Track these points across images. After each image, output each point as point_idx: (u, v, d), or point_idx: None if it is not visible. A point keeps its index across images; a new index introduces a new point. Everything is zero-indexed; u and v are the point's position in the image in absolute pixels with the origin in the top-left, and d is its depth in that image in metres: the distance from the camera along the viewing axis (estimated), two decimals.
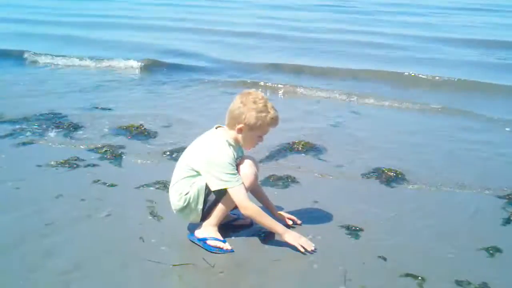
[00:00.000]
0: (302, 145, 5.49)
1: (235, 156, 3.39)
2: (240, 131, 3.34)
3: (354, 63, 10.24)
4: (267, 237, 3.53)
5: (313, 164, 5.07)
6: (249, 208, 3.31)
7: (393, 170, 4.80)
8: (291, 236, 3.37)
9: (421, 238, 3.63)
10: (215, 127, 3.51)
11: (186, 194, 3.37)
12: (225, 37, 13.23)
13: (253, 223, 3.68)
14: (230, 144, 3.36)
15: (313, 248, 3.36)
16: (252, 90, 3.44)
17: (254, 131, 3.35)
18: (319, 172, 4.84)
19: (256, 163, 3.57)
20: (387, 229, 3.74)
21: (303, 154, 5.32)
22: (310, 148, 5.44)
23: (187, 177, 3.40)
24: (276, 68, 9.89)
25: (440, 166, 5.06)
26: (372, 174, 4.78)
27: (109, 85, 8.40)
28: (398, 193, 4.42)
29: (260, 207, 3.47)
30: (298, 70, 9.72)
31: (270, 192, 4.00)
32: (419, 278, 3.10)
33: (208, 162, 3.30)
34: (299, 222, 3.72)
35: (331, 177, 4.73)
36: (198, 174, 3.37)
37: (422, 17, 18.66)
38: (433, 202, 4.26)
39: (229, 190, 3.28)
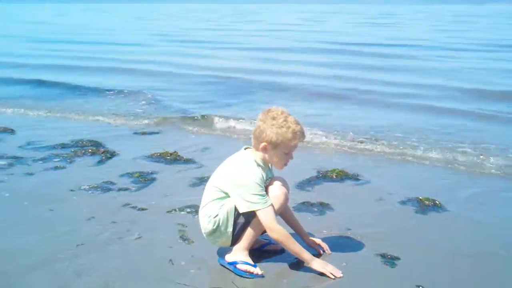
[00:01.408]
0: (337, 173, 5.40)
1: (265, 178, 3.32)
2: (264, 150, 3.28)
3: None
4: (299, 263, 3.42)
5: (348, 191, 4.96)
6: (278, 231, 3.22)
7: (430, 199, 4.65)
8: (318, 264, 3.27)
9: (459, 267, 3.47)
10: (243, 148, 3.47)
11: (216, 216, 3.32)
12: None
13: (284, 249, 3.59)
14: (258, 165, 3.30)
15: (341, 275, 3.25)
16: (273, 107, 3.35)
17: (278, 149, 3.26)
18: (353, 199, 4.72)
19: (287, 184, 3.50)
20: (425, 257, 3.59)
21: (337, 182, 5.22)
22: (345, 177, 5.34)
23: (216, 199, 3.35)
24: None
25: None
26: (408, 202, 4.64)
27: None
28: (435, 222, 4.25)
29: (290, 233, 3.37)
30: None
31: (303, 217, 3.91)
32: None
33: (235, 183, 3.25)
34: (328, 252, 3.59)
35: (366, 204, 4.61)
36: (227, 196, 3.31)
37: None
38: (470, 231, 4.10)
39: (257, 212, 3.20)
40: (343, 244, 3.73)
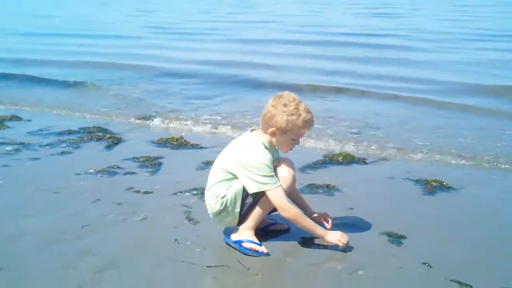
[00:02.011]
0: (343, 156, 5.36)
1: (272, 158, 3.30)
2: (273, 134, 3.26)
3: None
4: (305, 241, 3.41)
5: (354, 174, 4.94)
6: (289, 210, 3.22)
7: (438, 180, 4.61)
8: (332, 236, 3.27)
9: (470, 245, 3.44)
10: (250, 130, 3.45)
11: (223, 197, 3.30)
12: None
13: (290, 228, 3.58)
14: (265, 147, 3.28)
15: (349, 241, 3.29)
16: (285, 93, 3.32)
17: (286, 135, 3.25)
18: (360, 181, 4.70)
19: (293, 165, 3.48)
20: (432, 236, 3.56)
21: (344, 166, 5.18)
22: (352, 160, 5.30)
23: (223, 180, 3.32)
24: None
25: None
26: (416, 184, 4.61)
27: None
28: (442, 202, 4.22)
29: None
30: None
31: (309, 199, 3.86)
32: (467, 285, 2.90)
33: (244, 164, 3.22)
34: (328, 226, 3.53)
35: (372, 186, 4.58)
36: (235, 177, 3.29)
37: None
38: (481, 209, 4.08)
39: (268, 193, 3.19)
40: (348, 224, 3.71)
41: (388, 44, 15.12)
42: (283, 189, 3.23)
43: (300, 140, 3.40)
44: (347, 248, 3.28)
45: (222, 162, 3.36)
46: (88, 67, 11.59)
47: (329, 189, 4.45)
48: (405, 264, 3.15)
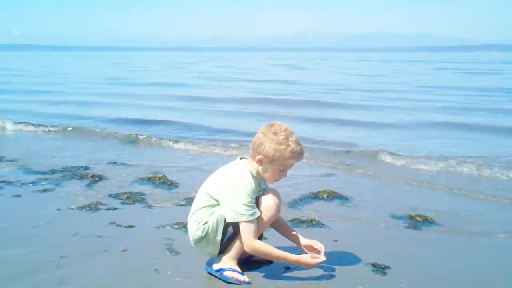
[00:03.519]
0: (328, 193, 5.35)
1: (257, 188, 3.28)
2: (259, 162, 3.24)
3: None
4: (288, 271, 3.35)
5: (338, 210, 4.91)
6: (254, 246, 3.16)
7: (422, 215, 4.60)
8: (306, 259, 3.22)
9: (450, 277, 3.40)
10: (238, 157, 3.43)
11: (205, 224, 3.25)
12: None
13: None
14: (252, 175, 3.24)
15: (324, 259, 3.25)
16: (277, 122, 3.32)
17: (273, 164, 3.22)
18: (344, 216, 4.67)
19: (279, 196, 3.43)
20: (416, 267, 3.52)
21: (328, 202, 5.16)
22: (335, 197, 5.29)
23: (206, 206, 3.28)
24: None
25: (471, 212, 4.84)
26: (400, 219, 4.61)
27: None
28: (426, 235, 4.20)
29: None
30: None
31: None
32: None
33: (227, 191, 3.19)
34: (321, 256, 3.38)
35: (355, 220, 4.56)
36: (218, 203, 3.25)
37: None
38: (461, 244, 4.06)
39: (240, 225, 3.14)
40: (333, 255, 3.64)
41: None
42: (256, 224, 3.17)
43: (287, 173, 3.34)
44: (327, 277, 3.26)
45: (207, 187, 3.32)
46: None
47: (313, 224, 4.42)
48: None
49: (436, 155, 7.45)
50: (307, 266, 3.21)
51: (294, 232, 3.54)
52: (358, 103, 14.73)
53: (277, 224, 3.54)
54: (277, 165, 3.22)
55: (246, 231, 3.12)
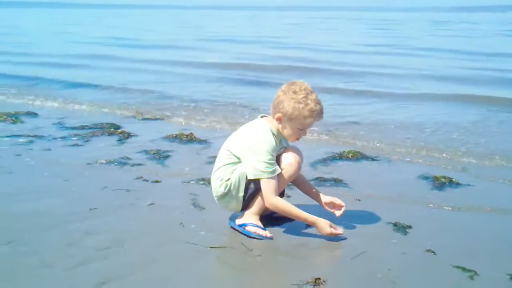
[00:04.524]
0: (353, 153, 5.35)
1: (278, 146, 3.31)
2: (279, 120, 3.26)
3: None
4: (310, 228, 3.40)
5: (363, 170, 4.93)
6: (274, 203, 3.22)
7: (447, 177, 4.58)
8: (320, 225, 3.22)
9: (473, 234, 3.42)
10: (260, 116, 3.46)
11: (227, 180, 3.31)
12: None
13: None
14: (273, 133, 3.27)
15: (341, 232, 3.24)
16: (299, 80, 3.32)
17: (292, 122, 3.23)
18: (368, 176, 4.69)
19: (301, 153, 3.47)
20: (438, 226, 3.55)
21: (353, 162, 5.17)
22: (361, 157, 5.29)
23: (229, 164, 3.34)
24: None
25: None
26: (424, 179, 4.60)
27: None
28: (450, 196, 4.20)
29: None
30: None
31: None
32: (471, 271, 2.87)
33: (247, 148, 3.24)
34: (339, 214, 3.49)
35: (379, 181, 4.57)
36: (239, 161, 3.30)
37: None
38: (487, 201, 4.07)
39: (261, 181, 3.19)
40: (354, 214, 3.69)
41: None
42: (277, 181, 3.22)
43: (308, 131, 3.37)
44: (341, 237, 3.26)
45: (229, 145, 3.38)
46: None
47: (336, 182, 4.45)
48: (409, 250, 3.13)
49: None
50: (322, 231, 3.23)
51: (314, 190, 3.58)
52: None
53: (298, 181, 3.59)
54: (296, 124, 3.23)
55: (267, 188, 3.17)
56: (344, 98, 8.85)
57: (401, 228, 3.46)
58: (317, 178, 4.49)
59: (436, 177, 4.60)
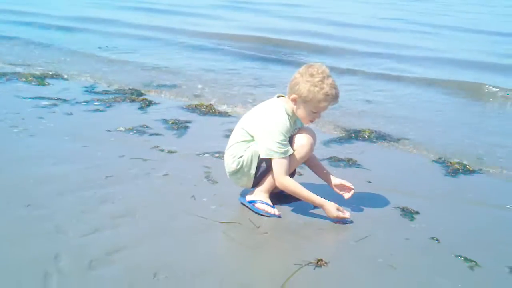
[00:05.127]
0: (369, 133, 5.37)
1: (292, 127, 3.35)
2: (294, 101, 3.30)
3: None
4: (317, 209, 3.46)
5: (378, 151, 4.95)
6: (284, 183, 3.27)
7: (461, 163, 4.59)
8: (327, 208, 3.26)
9: (480, 226, 3.45)
10: (276, 96, 3.50)
11: (240, 157, 3.38)
12: None
13: None
14: (287, 114, 3.31)
15: (348, 216, 3.28)
16: (317, 63, 3.33)
17: (307, 104, 3.26)
18: (382, 158, 4.72)
19: (314, 135, 3.51)
20: (446, 215, 3.58)
21: (368, 142, 5.19)
22: (377, 137, 5.30)
23: (242, 141, 3.40)
24: None
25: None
26: (438, 163, 4.61)
27: None
28: (462, 183, 4.22)
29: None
30: None
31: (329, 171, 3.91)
32: (472, 261, 2.92)
33: (261, 128, 3.29)
34: (346, 196, 3.53)
35: (393, 163, 4.60)
36: (253, 139, 3.37)
37: None
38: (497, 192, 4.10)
39: (273, 161, 3.25)
40: (363, 196, 3.74)
41: None
42: (289, 161, 3.27)
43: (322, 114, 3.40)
44: (347, 220, 3.31)
45: (244, 123, 3.44)
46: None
47: (349, 163, 4.49)
48: (413, 236, 3.19)
49: None
50: (329, 214, 3.28)
51: (325, 171, 3.63)
52: None
53: (310, 162, 3.64)
54: (310, 107, 3.27)
55: (278, 167, 3.23)
56: (367, 79, 8.71)
57: (408, 214, 3.51)
58: (330, 158, 4.53)
59: (450, 162, 4.60)
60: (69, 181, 3.64)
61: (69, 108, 5.61)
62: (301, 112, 3.32)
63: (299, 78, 3.26)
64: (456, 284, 2.70)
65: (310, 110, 3.28)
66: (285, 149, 3.24)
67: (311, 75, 3.21)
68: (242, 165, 3.37)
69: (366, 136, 5.31)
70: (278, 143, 3.21)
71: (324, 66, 3.29)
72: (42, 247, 2.71)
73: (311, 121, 3.39)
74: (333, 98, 3.24)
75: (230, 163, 3.43)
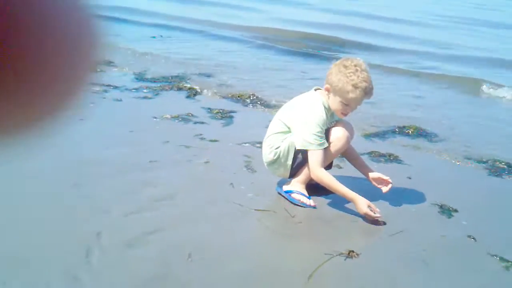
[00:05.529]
0: (413, 129, 5.32)
1: (329, 119, 3.38)
2: (327, 91, 3.32)
3: None
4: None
5: (421, 147, 4.90)
6: (319, 175, 3.28)
7: (506, 162, 4.49)
8: (358, 204, 3.21)
9: None
10: (314, 88, 3.53)
11: (277, 148, 3.44)
12: None
13: None
14: (324, 107, 3.34)
15: (378, 216, 3.21)
16: (355, 58, 3.35)
17: (336, 95, 3.25)
18: (425, 154, 4.68)
19: (351, 128, 3.53)
20: (486, 214, 3.53)
21: (413, 138, 5.14)
22: (421, 133, 5.25)
23: (280, 132, 3.46)
24: None
25: None
26: (482, 163, 4.53)
27: None
28: (506, 183, 4.14)
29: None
30: None
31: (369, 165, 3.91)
32: (509, 261, 2.89)
33: (298, 119, 3.34)
34: (383, 190, 3.51)
35: (436, 160, 4.55)
36: (290, 130, 3.42)
37: None
38: None
39: (308, 152, 3.29)
40: (402, 191, 3.74)
41: None
42: (324, 153, 3.28)
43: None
44: (390, 212, 3.31)
45: (282, 114, 3.50)
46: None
47: (390, 158, 4.47)
48: (449, 234, 3.17)
49: None
50: (359, 209, 3.23)
51: (364, 164, 3.64)
52: None
53: (349, 154, 3.66)
54: (339, 97, 3.26)
55: (313, 159, 3.27)
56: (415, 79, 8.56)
57: (446, 211, 3.48)
58: (371, 152, 4.52)
59: (495, 162, 4.52)
60: (115, 164, 3.80)
61: (119, 95, 5.81)
62: (332, 103, 3.32)
63: (334, 68, 3.29)
64: (488, 282, 2.69)
65: (340, 101, 3.27)
66: (321, 141, 3.27)
67: (345, 66, 3.23)
68: (279, 155, 3.43)
69: (410, 132, 5.27)
70: (314, 134, 3.25)
71: (361, 61, 3.30)
72: (87, 225, 2.86)
73: (344, 114, 3.38)
74: (363, 91, 3.20)
75: (267, 153, 3.50)
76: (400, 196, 3.65)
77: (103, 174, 3.59)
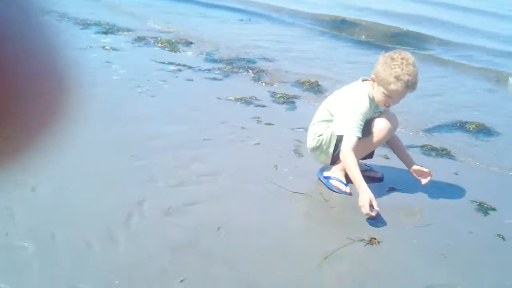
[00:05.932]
0: (476, 125, 5.23)
1: (372, 110, 3.46)
2: (372, 80, 3.40)
3: None
4: (392, 191, 3.59)
5: (478, 145, 4.84)
6: (346, 156, 3.29)
7: None
8: (360, 195, 3.15)
9: None
10: (361, 79, 3.63)
11: (320, 135, 3.59)
12: None
13: (384, 177, 3.78)
14: (369, 97, 3.41)
15: (373, 214, 3.10)
16: (404, 51, 3.38)
17: (379, 85, 3.31)
18: (478, 152, 4.62)
19: (395, 120, 3.58)
20: None
21: (473, 135, 5.08)
22: (482, 131, 5.16)
23: (324, 120, 3.60)
24: None
25: None
26: None
27: None
28: None
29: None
30: None
31: (417, 158, 3.92)
32: None
33: (342, 107, 3.44)
34: (423, 181, 3.55)
35: (488, 158, 4.49)
36: (334, 119, 3.56)
37: None
38: None
39: (344, 137, 3.35)
40: (444, 186, 3.78)
41: None
42: (357, 141, 3.30)
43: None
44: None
45: (327, 103, 3.64)
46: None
47: (442, 153, 4.47)
48: (478, 231, 3.20)
49: None
50: (359, 201, 3.15)
51: (407, 155, 3.69)
52: None
53: (394, 145, 3.74)
54: (382, 88, 3.31)
55: (346, 143, 3.32)
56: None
57: (483, 209, 3.49)
58: (423, 146, 4.55)
59: None
60: (172, 139, 4.11)
61: (191, 75, 6.16)
62: (376, 94, 3.38)
63: (381, 59, 3.35)
64: (505, 281, 2.73)
65: (382, 91, 3.32)
66: (358, 129, 3.34)
67: (392, 58, 3.28)
68: (321, 143, 3.59)
69: (472, 128, 5.19)
70: (354, 121, 3.33)
71: (409, 54, 3.34)
72: (133, 192, 3.19)
73: (386, 106, 3.43)
74: (404, 83, 3.21)
75: (310, 140, 3.67)
76: (441, 190, 3.69)
77: (159, 147, 3.92)
